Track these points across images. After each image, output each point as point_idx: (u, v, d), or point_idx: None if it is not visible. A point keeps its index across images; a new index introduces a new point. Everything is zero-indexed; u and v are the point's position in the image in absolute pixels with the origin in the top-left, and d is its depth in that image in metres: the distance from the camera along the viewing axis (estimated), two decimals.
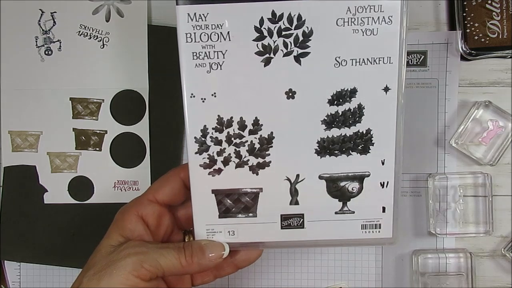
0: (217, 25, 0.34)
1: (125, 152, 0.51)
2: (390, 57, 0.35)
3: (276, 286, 0.51)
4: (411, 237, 0.50)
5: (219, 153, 0.36)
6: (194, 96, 0.35)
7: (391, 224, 0.38)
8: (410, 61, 0.49)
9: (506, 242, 0.49)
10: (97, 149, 0.51)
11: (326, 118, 0.36)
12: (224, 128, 0.36)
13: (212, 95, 0.35)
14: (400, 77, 0.35)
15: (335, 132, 0.36)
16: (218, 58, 0.35)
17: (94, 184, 0.51)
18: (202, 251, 0.36)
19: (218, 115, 0.36)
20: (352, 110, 0.36)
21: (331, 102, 0.36)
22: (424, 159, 0.49)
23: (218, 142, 0.36)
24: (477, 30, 0.47)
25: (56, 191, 0.51)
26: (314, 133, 0.36)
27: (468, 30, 0.47)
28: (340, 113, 0.36)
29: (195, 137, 0.36)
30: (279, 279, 0.51)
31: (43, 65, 0.50)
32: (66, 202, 0.51)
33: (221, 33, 0.34)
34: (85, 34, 0.50)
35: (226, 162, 0.37)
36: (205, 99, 0.35)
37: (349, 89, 0.35)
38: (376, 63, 0.35)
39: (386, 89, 0.35)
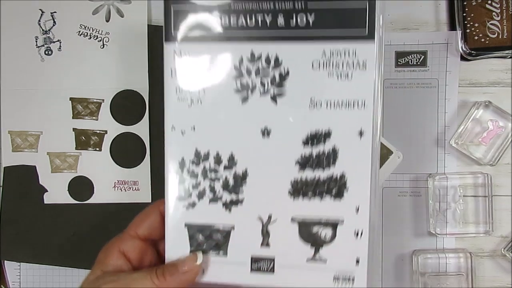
0: (201, 62, 0.35)
1: (125, 152, 0.51)
2: (364, 101, 0.34)
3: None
4: (411, 237, 0.50)
5: (195, 186, 0.37)
6: (174, 129, 0.36)
7: (365, 278, 0.35)
8: (410, 61, 0.49)
9: (506, 242, 0.49)
10: (97, 149, 0.51)
11: (299, 159, 0.35)
12: (201, 162, 0.36)
13: (192, 128, 0.36)
14: (375, 122, 0.34)
15: (308, 173, 0.35)
16: (199, 93, 0.35)
17: (94, 184, 0.51)
18: (175, 267, 0.36)
19: (196, 148, 0.36)
20: (326, 153, 0.35)
21: (305, 143, 0.35)
22: (424, 159, 0.49)
23: (194, 175, 0.36)
24: (477, 30, 0.47)
25: (56, 191, 0.51)
26: (287, 173, 0.36)
27: (468, 30, 0.47)
28: (314, 155, 0.35)
29: (173, 169, 0.37)
30: None
31: (43, 65, 0.50)
32: (66, 202, 0.51)
33: (203, 69, 0.35)
34: (85, 34, 0.50)
35: (200, 196, 0.37)
36: (184, 131, 0.36)
37: (323, 131, 0.35)
38: (351, 107, 0.34)
39: (361, 133, 0.35)
